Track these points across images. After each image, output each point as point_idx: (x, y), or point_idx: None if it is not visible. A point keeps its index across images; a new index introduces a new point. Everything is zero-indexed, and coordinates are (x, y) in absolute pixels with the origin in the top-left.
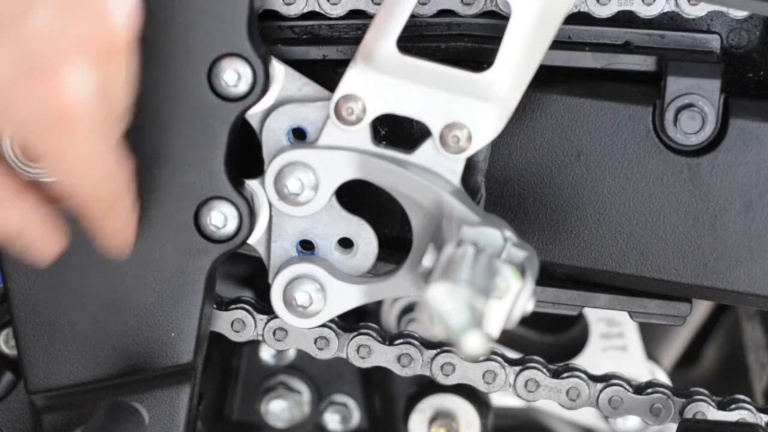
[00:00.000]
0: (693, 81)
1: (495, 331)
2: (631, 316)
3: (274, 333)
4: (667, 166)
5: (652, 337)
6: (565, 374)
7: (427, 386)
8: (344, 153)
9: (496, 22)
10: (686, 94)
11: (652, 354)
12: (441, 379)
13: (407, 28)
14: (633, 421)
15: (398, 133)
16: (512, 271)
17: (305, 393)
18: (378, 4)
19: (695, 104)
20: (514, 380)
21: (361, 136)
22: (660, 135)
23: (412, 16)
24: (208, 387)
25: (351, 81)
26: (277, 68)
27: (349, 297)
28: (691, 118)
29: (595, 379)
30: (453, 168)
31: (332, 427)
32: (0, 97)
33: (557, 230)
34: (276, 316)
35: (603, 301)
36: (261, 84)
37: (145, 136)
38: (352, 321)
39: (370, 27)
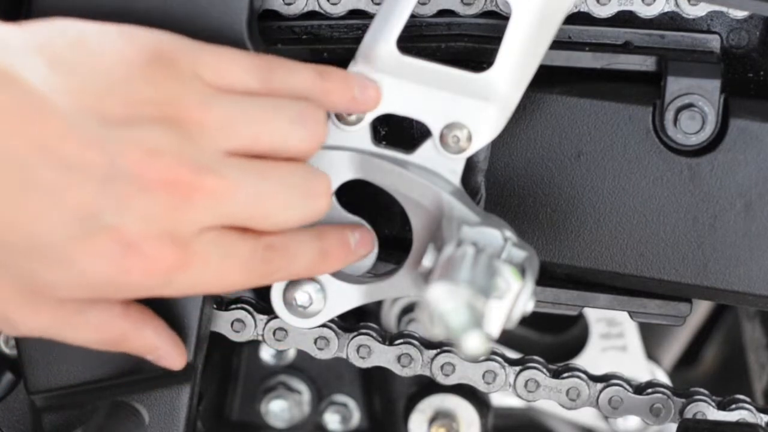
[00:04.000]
0: (693, 81)
1: (495, 331)
2: (631, 316)
3: (274, 333)
4: (667, 166)
5: (652, 337)
6: (565, 374)
7: (427, 386)
8: (344, 153)
9: (496, 22)
10: (686, 94)
11: (652, 354)
12: (441, 379)
13: (407, 28)
14: (633, 421)
15: (398, 133)
16: (512, 271)
17: (305, 393)
18: (378, 4)
19: (695, 104)
20: (514, 380)
21: (361, 136)
22: (660, 135)
23: (412, 16)
24: (208, 387)
25: None
26: None
27: (349, 297)
28: (691, 118)
29: (595, 379)
30: (453, 168)
31: (332, 427)
32: (110, 284)
33: (557, 230)
34: (276, 316)
35: (603, 301)
36: None
37: None
38: (352, 321)
39: (370, 27)
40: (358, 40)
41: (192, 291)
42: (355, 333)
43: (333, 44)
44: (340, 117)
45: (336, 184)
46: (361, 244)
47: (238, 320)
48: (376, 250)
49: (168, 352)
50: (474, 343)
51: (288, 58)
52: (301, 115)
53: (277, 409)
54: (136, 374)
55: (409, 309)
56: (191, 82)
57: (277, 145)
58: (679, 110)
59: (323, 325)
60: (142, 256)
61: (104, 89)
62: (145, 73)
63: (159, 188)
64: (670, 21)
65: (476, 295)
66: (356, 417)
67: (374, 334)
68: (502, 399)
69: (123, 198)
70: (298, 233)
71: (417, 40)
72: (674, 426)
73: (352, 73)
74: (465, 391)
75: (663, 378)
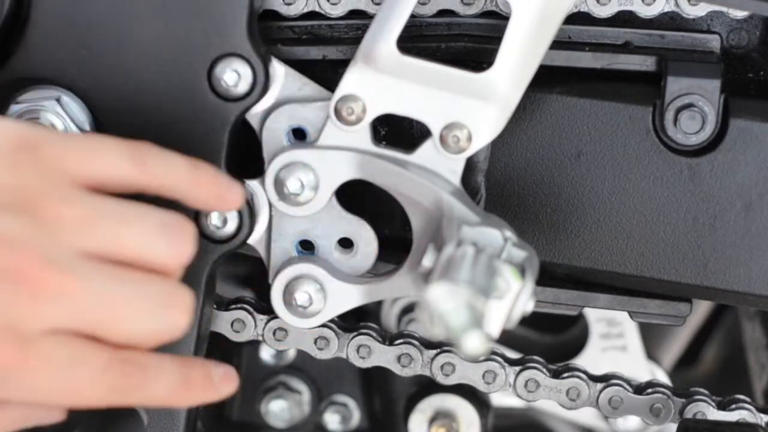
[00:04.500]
0: (693, 81)
1: (495, 331)
2: (631, 316)
3: (274, 333)
4: (667, 166)
5: (652, 337)
6: (565, 374)
7: (427, 386)
8: (344, 153)
9: (496, 22)
10: (686, 94)
11: (652, 354)
12: (441, 379)
13: (407, 28)
14: (633, 421)
15: (398, 133)
16: (512, 271)
17: (305, 393)
18: (378, 4)
19: (695, 104)
20: (514, 380)
21: (361, 136)
22: (660, 135)
23: (412, 16)
24: None
25: (351, 81)
26: (277, 68)
27: (349, 297)
28: (691, 118)
29: (595, 379)
30: (453, 168)
31: (332, 427)
32: None
33: (557, 230)
34: (276, 316)
35: (603, 301)
36: (261, 84)
37: (144, 137)
38: (352, 321)
39: (370, 27)
40: (358, 40)
41: (35, 397)
42: (355, 333)
43: (333, 44)
44: (339, 117)
45: (336, 184)
46: (225, 380)
47: (238, 320)
48: (376, 251)
49: (42, 416)
50: (474, 343)
51: (161, 147)
52: (167, 225)
53: (277, 409)
54: None
55: (409, 309)
56: (55, 174)
57: (136, 252)
58: (679, 110)
59: (323, 325)
60: None
61: None
62: (7, 161)
63: (4, 277)
64: (670, 21)
65: (476, 295)
66: (356, 417)
67: (374, 334)
68: (502, 399)
69: None
70: (160, 356)
71: (417, 40)
72: (674, 426)
73: (220, 174)
74: (465, 391)
75: (663, 378)
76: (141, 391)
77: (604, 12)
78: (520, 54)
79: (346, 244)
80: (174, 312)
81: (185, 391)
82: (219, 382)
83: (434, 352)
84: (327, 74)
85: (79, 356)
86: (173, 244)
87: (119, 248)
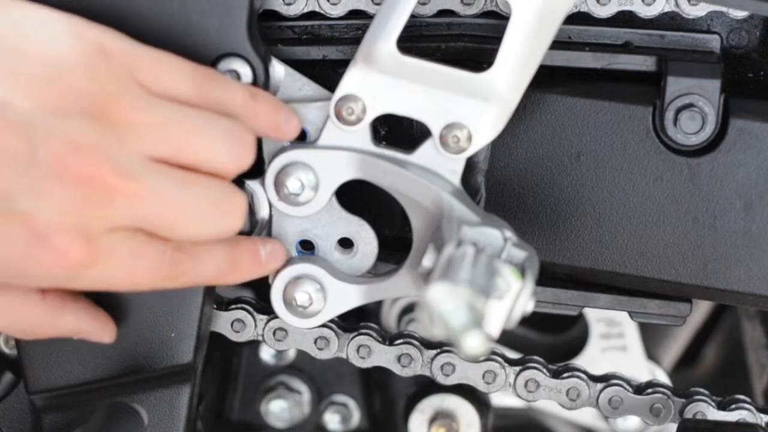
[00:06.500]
0: (693, 81)
1: (495, 331)
2: (631, 316)
3: (274, 333)
4: (667, 166)
5: (652, 337)
6: (565, 374)
7: (427, 386)
8: (344, 153)
9: (496, 22)
10: (686, 94)
11: (652, 354)
12: (441, 379)
13: (407, 28)
14: (633, 421)
15: (398, 133)
16: (512, 271)
17: (305, 393)
18: (378, 4)
19: (695, 104)
20: (514, 380)
21: (361, 136)
22: (660, 135)
23: (412, 16)
24: (208, 387)
25: (351, 81)
26: (277, 68)
27: (349, 297)
28: (691, 118)
29: (595, 379)
30: (453, 168)
31: (332, 427)
32: (14, 269)
33: (557, 230)
34: (276, 316)
35: (603, 301)
36: (261, 84)
37: None
38: (352, 321)
39: (370, 27)
40: (358, 40)
41: (97, 287)
42: (355, 333)
43: (333, 44)
44: (339, 117)
45: (336, 184)
46: (272, 257)
47: (238, 320)
48: (376, 251)
49: (91, 332)
50: (474, 343)
51: (224, 75)
52: (230, 133)
53: (277, 409)
54: (136, 374)
55: (409, 309)
56: (128, 82)
57: (201, 158)
58: (679, 110)
59: (323, 325)
60: (50, 247)
61: (40, 76)
62: (84, 67)
63: (77, 182)
64: (670, 21)
65: (476, 295)
66: (356, 417)
67: (374, 334)
68: (502, 399)
69: (40, 186)
70: (209, 242)
71: (417, 40)
72: (674, 426)
73: (281, 102)
74: (465, 391)
75: (663, 378)
76: (191, 276)
77: (604, 12)
78: (520, 54)
79: (346, 244)
80: (229, 216)
81: (233, 270)
82: (266, 259)
83: (434, 352)
84: (327, 74)
85: (138, 250)
86: (235, 151)
87: (185, 154)
